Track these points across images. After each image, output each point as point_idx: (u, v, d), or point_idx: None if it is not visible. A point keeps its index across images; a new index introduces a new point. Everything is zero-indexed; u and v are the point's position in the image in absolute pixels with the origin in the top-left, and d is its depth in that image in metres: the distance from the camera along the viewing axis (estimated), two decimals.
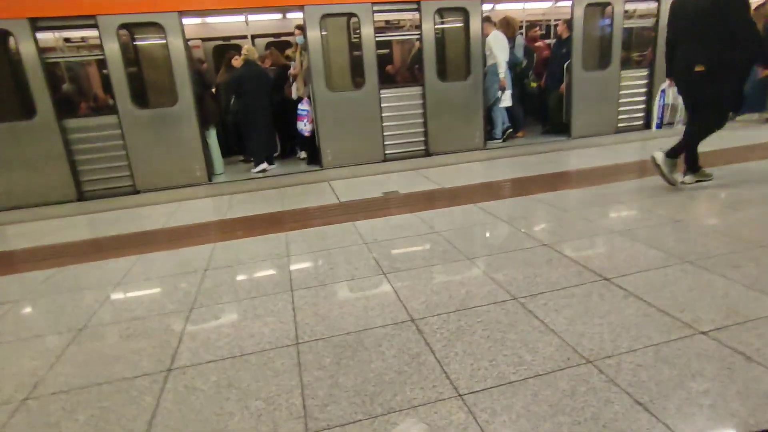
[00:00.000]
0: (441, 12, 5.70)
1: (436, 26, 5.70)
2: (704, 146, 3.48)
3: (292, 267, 2.69)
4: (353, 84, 5.90)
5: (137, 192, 5.18)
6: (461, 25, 5.85)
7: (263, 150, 5.81)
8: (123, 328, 2.14)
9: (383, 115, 5.66)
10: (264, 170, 5.69)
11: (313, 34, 5.27)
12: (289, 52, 6.14)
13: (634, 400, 1.39)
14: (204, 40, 7.77)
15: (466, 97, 5.85)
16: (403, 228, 3.21)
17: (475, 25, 5.69)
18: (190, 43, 5.50)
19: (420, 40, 5.65)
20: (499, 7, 7.40)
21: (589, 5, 6.02)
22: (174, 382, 1.68)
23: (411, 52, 7.04)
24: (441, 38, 6.12)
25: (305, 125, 5.59)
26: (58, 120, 4.75)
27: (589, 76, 6.22)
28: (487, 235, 3.02)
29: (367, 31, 5.40)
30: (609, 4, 6.09)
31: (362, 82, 5.54)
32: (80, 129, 4.91)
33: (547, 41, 7.62)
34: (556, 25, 7.30)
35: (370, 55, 5.43)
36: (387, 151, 5.80)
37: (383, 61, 6.52)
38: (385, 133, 5.73)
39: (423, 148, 5.94)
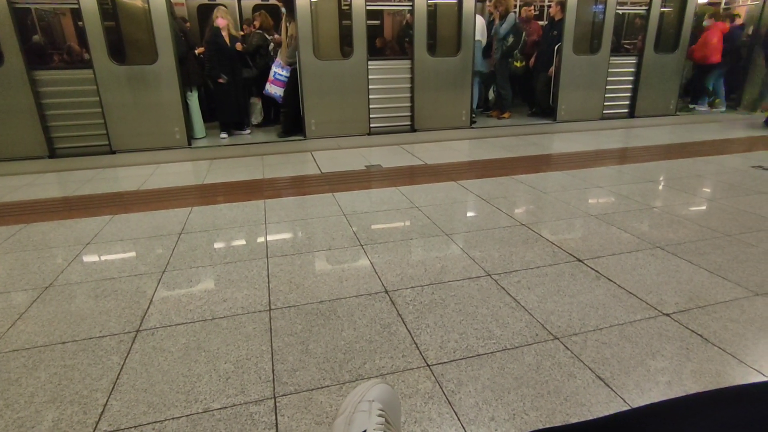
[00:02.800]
0: None
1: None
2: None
3: (269, 234, 2.66)
4: (341, 53, 5.76)
5: (113, 152, 5.02)
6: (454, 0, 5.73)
7: (224, 116, 5.72)
8: (91, 287, 2.09)
9: (370, 87, 5.56)
10: (223, 137, 5.64)
11: (302, 0, 5.08)
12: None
13: (596, 375, 1.44)
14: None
15: (454, 73, 5.78)
16: (383, 201, 3.19)
17: (468, 0, 5.58)
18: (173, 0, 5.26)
19: (411, 12, 5.52)
20: None
21: None
22: (142, 343, 1.66)
23: (402, 24, 6.88)
24: (433, 12, 5.99)
25: (276, 89, 5.50)
26: (28, 70, 4.52)
27: (578, 60, 6.20)
28: (466, 212, 3.03)
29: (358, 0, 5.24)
30: None
31: (350, 51, 5.41)
32: (53, 82, 4.69)
33: (541, 23, 7.55)
34: (549, 7, 7.21)
35: (359, 24, 5.28)
36: (372, 125, 5.73)
37: (373, 32, 6.36)
38: (371, 106, 5.64)
39: (409, 123, 5.88)
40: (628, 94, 6.70)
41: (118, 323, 1.79)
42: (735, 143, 4.99)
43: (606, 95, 6.53)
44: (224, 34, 5.33)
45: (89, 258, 2.43)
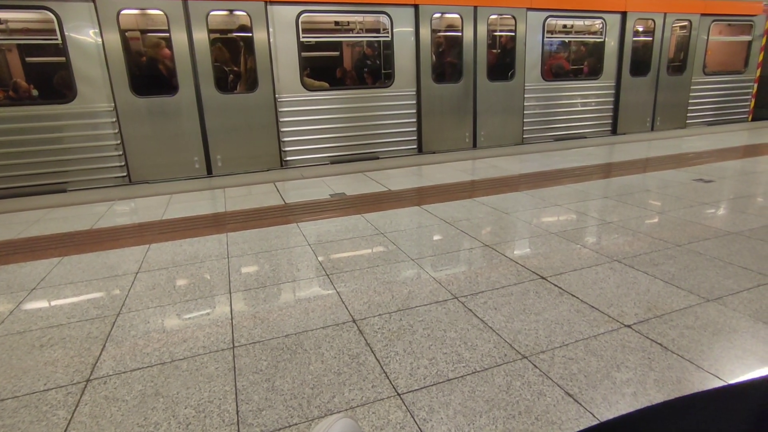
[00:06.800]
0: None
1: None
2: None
3: (232, 269, 2.58)
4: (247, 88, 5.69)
5: (64, 191, 4.80)
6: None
7: None
8: (36, 336, 1.94)
9: (333, 116, 5.60)
10: None
11: (200, 35, 4.95)
12: None
13: (565, 392, 1.45)
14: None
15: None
16: (348, 229, 3.17)
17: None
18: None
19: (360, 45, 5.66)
20: None
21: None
22: (92, 394, 1.54)
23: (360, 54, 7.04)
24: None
25: None
26: None
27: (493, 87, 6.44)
28: (432, 236, 3.05)
29: (260, 35, 5.18)
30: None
31: (255, 85, 5.32)
32: None
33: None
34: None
35: (263, 59, 5.21)
36: (334, 153, 5.77)
37: (333, 63, 6.45)
38: (333, 135, 5.68)
39: (372, 150, 5.97)
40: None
41: (66, 374, 1.66)
42: (671, 159, 5.33)
43: (525, 120, 6.83)
44: None
45: (34, 305, 2.27)
